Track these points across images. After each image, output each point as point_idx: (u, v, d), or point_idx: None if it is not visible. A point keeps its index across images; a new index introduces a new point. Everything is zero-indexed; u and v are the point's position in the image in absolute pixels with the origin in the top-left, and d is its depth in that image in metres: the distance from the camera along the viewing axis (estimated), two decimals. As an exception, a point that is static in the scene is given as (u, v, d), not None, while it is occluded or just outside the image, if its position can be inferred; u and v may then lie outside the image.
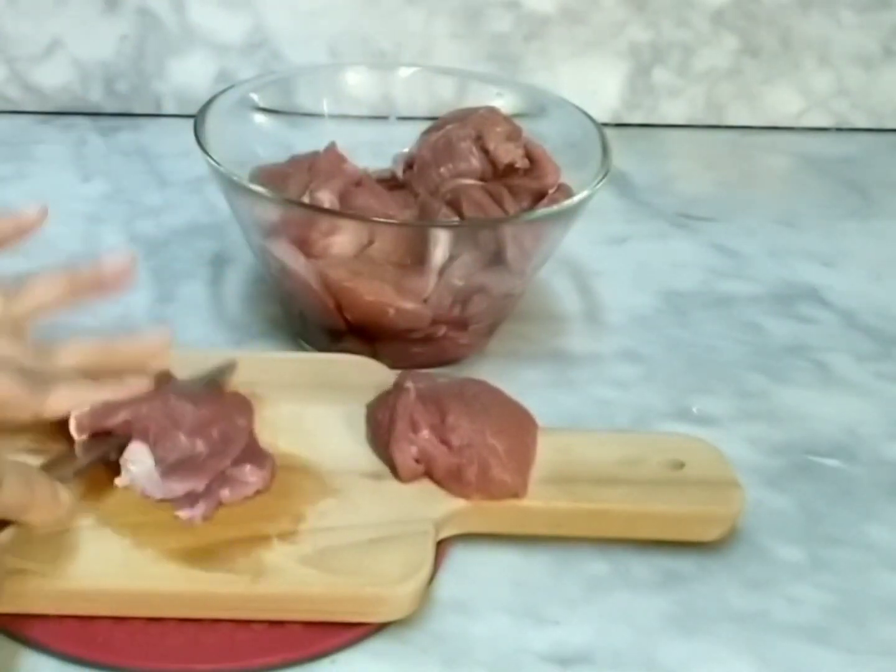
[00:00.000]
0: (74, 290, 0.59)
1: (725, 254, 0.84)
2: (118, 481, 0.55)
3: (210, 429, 0.56)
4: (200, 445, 0.56)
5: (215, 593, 0.51)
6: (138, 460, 0.55)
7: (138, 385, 0.58)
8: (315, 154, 0.71)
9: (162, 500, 0.55)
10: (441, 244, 0.64)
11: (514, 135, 0.72)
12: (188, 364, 0.62)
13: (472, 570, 0.56)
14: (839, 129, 1.02)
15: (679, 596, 0.56)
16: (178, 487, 0.54)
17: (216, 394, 0.59)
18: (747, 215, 0.89)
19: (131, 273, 0.60)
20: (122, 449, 0.56)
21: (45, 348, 0.59)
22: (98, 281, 0.60)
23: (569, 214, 0.67)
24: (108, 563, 0.52)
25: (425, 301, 0.65)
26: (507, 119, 0.73)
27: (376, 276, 0.65)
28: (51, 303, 0.59)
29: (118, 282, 0.60)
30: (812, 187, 0.94)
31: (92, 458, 0.56)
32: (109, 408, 0.56)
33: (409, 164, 0.73)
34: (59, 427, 0.56)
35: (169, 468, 0.55)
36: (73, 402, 0.57)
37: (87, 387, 0.58)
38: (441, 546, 0.55)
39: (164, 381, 0.60)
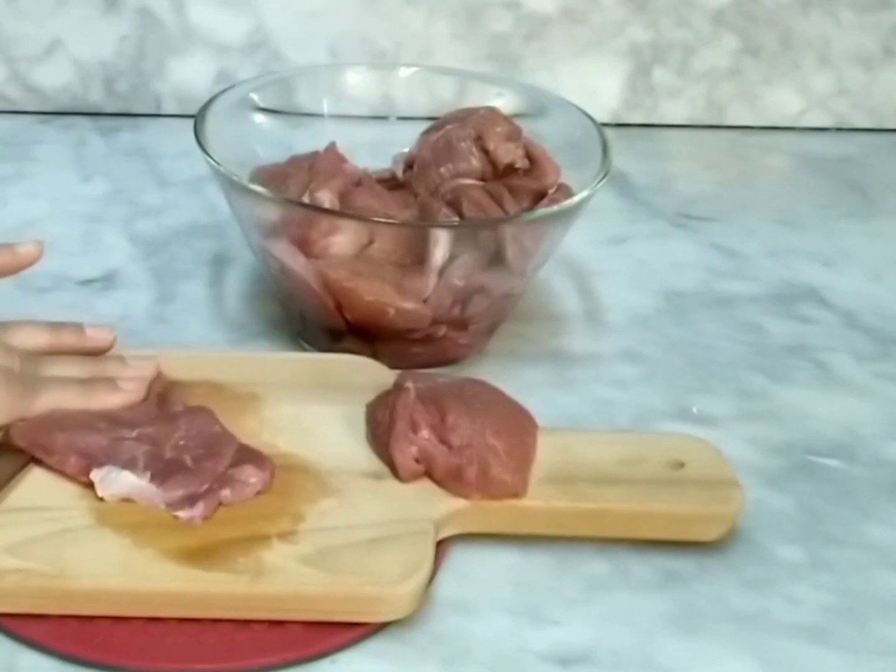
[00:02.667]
0: (54, 345, 0.61)
1: (725, 254, 0.84)
2: (98, 492, 0.55)
3: (181, 439, 0.56)
4: (177, 453, 0.56)
5: (215, 593, 0.51)
6: (109, 480, 0.55)
7: (131, 392, 0.59)
8: (315, 154, 0.71)
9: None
10: (441, 244, 0.64)
11: (514, 135, 0.72)
12: (188, 365, 0.62)
13: (472, 570, 0.56)
14: (839, 129, 1.02)
15: (679, 596, 0.56)
16: (177, 493, 0.54)
17: (172, 411, 0.59)
18: (747, 215, 0.89)
19: (112, 342, 0.63)
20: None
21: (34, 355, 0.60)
22: (78, 343, 0.62)
23: (569, 214, 0.67)
24: (108, 563, 0.52)
25: (425, 301, 0.65)
26: (507, 119, 0.73)
27: (376, 276, 0.65)
28: (30, 349, 0.60)
29: (97, 346, 0.62)
30: (812, 187, 0.94)
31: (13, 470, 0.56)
32: (47, 426, 0.56)
33: (409, 164, 0.73)
34: None
35: (163, 476, 0.55)
36: (60, 407, 0.57)
37: (76, 391, 0.58)
38: (441, 546, 0.55)
39: (158, 389, 0.60)
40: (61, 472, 0.55)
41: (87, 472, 0.55)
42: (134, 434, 0.56)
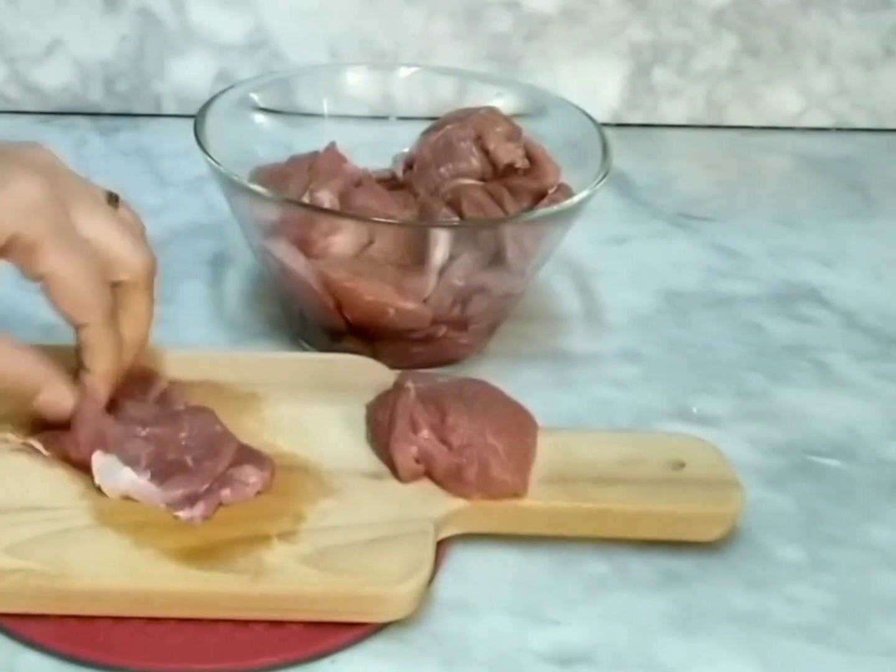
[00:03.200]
0: None
1: (725, 254, 0.84)
2: (97, 482, 0.55)
3: (184, 440, 0.56)
4: (179, 453, 0.56)
5: (215, 593, 0.51)
6: (109, 472, 0.55)
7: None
8: (315, 154, 0.71)
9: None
10: (441, 244, 0.64)
11: (514, 135, 0.72)
12: (188, 365, 0.62)
13: (472, 570, 0.56)
14: (839, 129, 1.02)
15: (679, 596, 0.56)
16: (177, 493, 0.54)
17: (174, 410, 0.59)
18: (747, 215, 0.89)
19: None
20: None
21: None
22: None
23: (569, 214, 0.67)
24: (109, 563, 0.52)
25: (425, 301, 0.65)
26: (507, 119, 0.73)
27: (376, 276, 0.65)
28: None
29: None
30: (812, 187, 0.94)
31: None
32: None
33: (409, 164, 0.73)
34: None
35: (163, 476, 0.55)
36: None
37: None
38: (441, 546, 0.55)
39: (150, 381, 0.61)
40: (66, 456, 0.56)
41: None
42: (144, 433, 0.56)
